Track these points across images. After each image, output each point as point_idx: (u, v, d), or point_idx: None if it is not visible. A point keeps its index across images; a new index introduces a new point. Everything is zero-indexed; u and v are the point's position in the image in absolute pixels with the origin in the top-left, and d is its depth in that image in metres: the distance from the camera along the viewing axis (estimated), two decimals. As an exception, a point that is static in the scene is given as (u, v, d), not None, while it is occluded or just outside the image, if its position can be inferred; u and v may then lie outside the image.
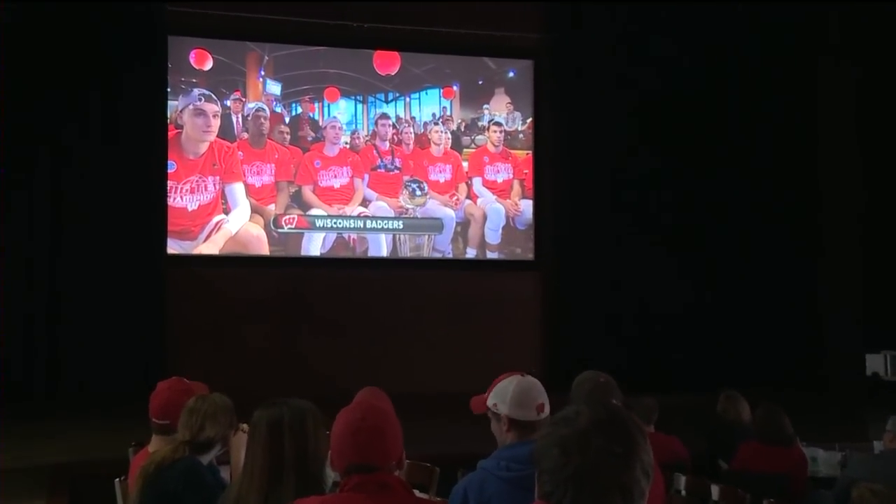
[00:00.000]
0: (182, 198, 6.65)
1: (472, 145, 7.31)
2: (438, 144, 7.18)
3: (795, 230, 7.19)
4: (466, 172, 7.22)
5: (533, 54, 7.33)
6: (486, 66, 7.37)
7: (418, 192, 7.12)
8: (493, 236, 7.28)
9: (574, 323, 7.06)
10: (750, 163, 7.17)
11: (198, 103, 6.68)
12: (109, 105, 6.34)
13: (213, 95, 6.71)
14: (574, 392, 2.37)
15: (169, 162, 6.59)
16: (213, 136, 6.70)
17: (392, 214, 7.08)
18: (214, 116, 6.69)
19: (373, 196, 7.06)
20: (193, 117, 6.66)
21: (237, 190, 6.75)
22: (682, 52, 7.11)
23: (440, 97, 7.26)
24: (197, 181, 6.67)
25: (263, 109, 6.86)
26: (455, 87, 7.31)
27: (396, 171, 7.11)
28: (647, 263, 7.03)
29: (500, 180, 7.30)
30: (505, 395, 2.03)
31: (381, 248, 7.07)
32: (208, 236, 6.68)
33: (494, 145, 7.31)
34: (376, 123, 7.10)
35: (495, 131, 7.31)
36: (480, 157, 7.31)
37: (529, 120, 7.38)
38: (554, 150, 7.29)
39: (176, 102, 6.66)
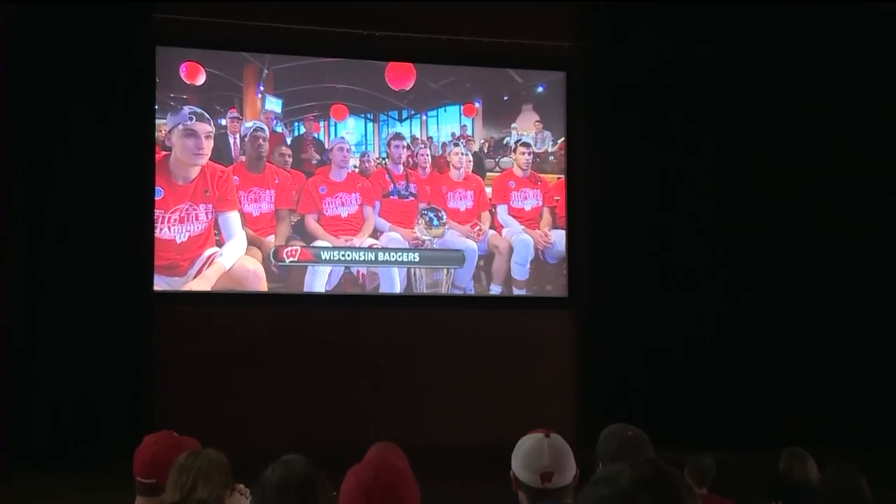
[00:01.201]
0: (170, 228, 6.64)
1: (497, 169, 7.26)
2: (458, 168, 7.13)
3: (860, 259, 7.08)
4: (490, 199, 7.19)
5: (565, 66, 7.28)
6: (513, 80, 7.34)
7: (436, 222, 7.07)
8: (521, 271, 7.21)
9: (611, 368, 6.98)
10: (809, 191, 7.07)
11: (188, 122, 6.69)
12: (88, 124, 6.30)
13: (205, 114, 6.72)
14: (599, 449, 2.37)
15: (156, 188, 6.55)
16: (205, 160, 6.70)
17: (406, 246, 7.03)
18: (207, 137, 6.69)
19: (385, 226, 7.00)
20: (183, 138, 6.66)
21: (232, 219, 6.72)
22: (734, 64, 7.07)
23: (460, 115, 7.22)
24: (187, 210, 6.66)
25: (262, 129, 6.84)
26: (477, 104, 7.26)
27: (411, 198, 7.06)
28: (695, 301, 6.96)
29: (528, 208, 7.24)
30: (517, 452, 2.09)
31: (394, 283, 7.01)
32: (199, 271, 6.65)
33: (522, 169, 7.25)
34: (389, 144, 7.06)
35: (523, 153, 7.25)
36: (506, 183, 7.25)
37: (561, 140, 7.32)
38: (589, 174, 7.22)
39: (164, 121, 6.66)
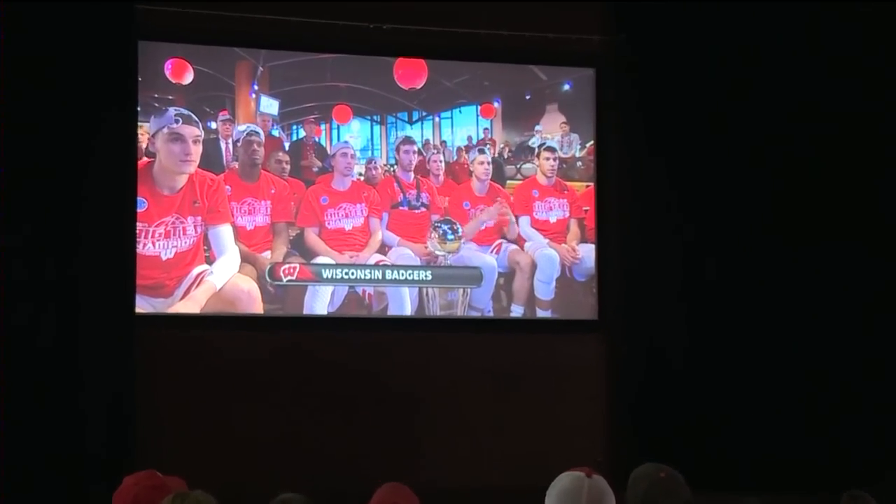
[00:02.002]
0: (154, 244, 6.57)
1: (518, 176, 7.19)
2: (483, 180, 7.10)
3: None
4: (511, 209, 7.13)
5: (595, 61, 7.18)
6: (536, 77, 7.26)
7: (450, 235, 7.02)
8: (545, 290, 7.13)
9: (646, 400, 6.86)
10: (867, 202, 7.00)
11: (174, 126, 6.61)
12: (61, 128, 6.16)
13: (193, 116, 6.64)
14: (630, 492, 2.38)
15: (138, 199, 6.48)
16: (193, 167, 6.63)
17: (418, 263, 6.96)
18: (195, 142, 6.62)
19: (393, 240, 6.94)
20: (169, 143, 6.59)
21: (224, 233, 6.66)
22: (784, 63, 6.97)
23: (477, 116, 7.14)
24: (173, 223, 6.59)
25: (257, 133, 6.77)
26: (496, 104, 7.19)
27: (423, 210, 7.01)
28: (738, 325, 6.84)
29: (553, 220, 7.16)
30: (552, 491, 2.11)
31: (403, 304, 6.95)
32: (187, 292, 6.59)
33: (546, 176, 7.18)
34: (398, 150, 7.02)
35: (547, 158, 7.18)
36: (528, 191, 7.18)
37: (590, 144, 7.24)
38: (622, 182, 7.11)
39: (147, 124, 6.58)
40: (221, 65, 6.84)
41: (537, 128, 7.24)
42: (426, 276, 6.99)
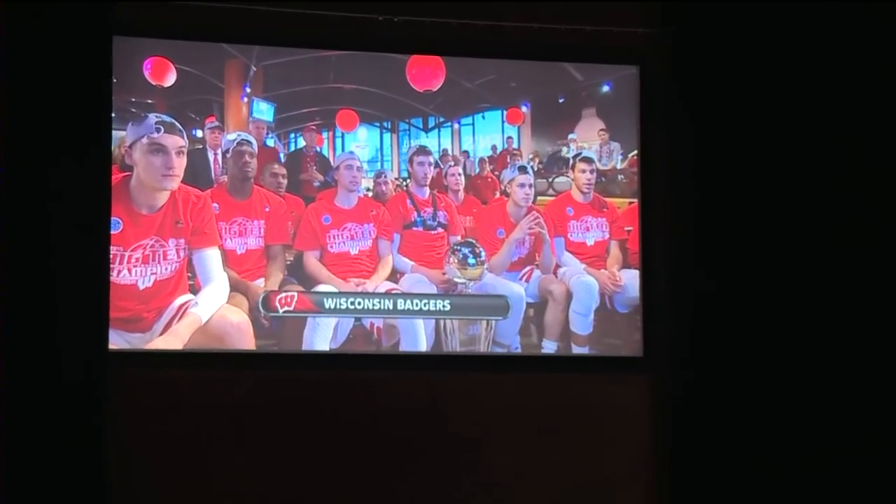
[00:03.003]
0: (131, 271, 6.22)
1: (550, 192, 6.90)
2: (521, 206, 6.81)
3: None
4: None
5: (639, 58, 6.87)
6: (570, 77, 6.94)
7: (472, 260, 6.70)
8: (582, 323, 6.79)
9: (701, 451, 6.45)
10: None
11: (155, 136, 6.25)
12: (23, 135, 5.80)
13: (176, 124, 6.28)
14: None
15: (112, 219, 6.16)
16: (176, 182, 6.28)
17: (434, 291, 6.65)
18: (179, 153, 6.26)
19: (406, 265, 6.67)
20: (148, 155, 6.23)
21: (210, 258, 6.33)
22: (856, 58, 6.49)
23: (503, 122, 6.88)
24: (152, 246, 6.25)
25: (249, 142, 6.48)
26: (525, 108, 6.90)
27: (440, 230, 6.72)
28: (812, 362, 6.35)
29: (591, 242, 6.87)
30: None
31: (418, 339, 6.61)
32: (168, 325, 6.26)
33: (582, 191, 6.86)
34: (411, 161, 6.74)
35: (584, 171, 6.86)
36: (562, 209, 6.87)
37: (633, 154, 6.90)
38: (670, 198, 6.75)
39: (123, 133, 6.28)
40: (208, 64, 6.55)
41: (572, 136, 6.94)
42: (444, 306, 6.65)
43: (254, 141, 6.49)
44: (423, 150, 6.75)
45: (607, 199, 6.92)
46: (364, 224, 6.63)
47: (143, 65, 6.44)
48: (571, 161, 6.91)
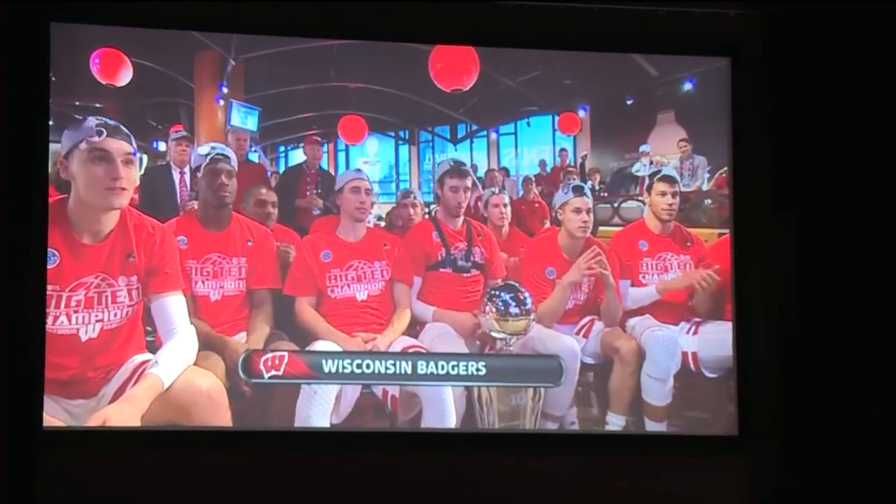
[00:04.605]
0: (70, 317, 5.38)
1: (616, 220, 6.24)
2: (577, 237, 6.08)
3: None
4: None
5: (731, 45, 6.14)
6: (641, 72, 6.25)
7: (515, 309, 5.91)
8: (659, 391, 6.00)
9: None
10: None
11: (95, 140, 5.45)
12: None
13: (122, 127, 5.57)
14: None
15: (48, 251, 5.40)
16: (124, 198, 5.48)
17: (465, 350, 5.90)
18: (126, 163, 5.48)
19: (427, 312, 5.96)
20: (89, 164, 5.43)
21: (172, 307, 5.50)
22: None
23: (554, 131, 6.25)
24: (98, 286, 5.42)
25: (226, 157, 5.78)
26: (582, 113, 6.24)
27: (475, 273, 6.02)
28: None
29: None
30: None
31: (445, 412, 5.84)
32: (121, 391, 5.43)
33: (662, 219, 6.11)
34: (442, 183, 6.14)
35: (663, 193, 6.11)
36: (633, 243, 6.14)
37: (722, 172, 6.16)
38: (772, 229, 5.99)
39: (61, 144, 5.55)
40: (174, 57, 5.91)
41: (644, 147, 6.26)
42: (478, 369, 5.85)
43: (232, 156, 5.82)
44: (458, 170, 6.04)
45: (692, 230, 6.19)
46: (374, 262, 5.91)
47: (89, 59, 5.80)
48: (647, 181, 6.22)
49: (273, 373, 5.67)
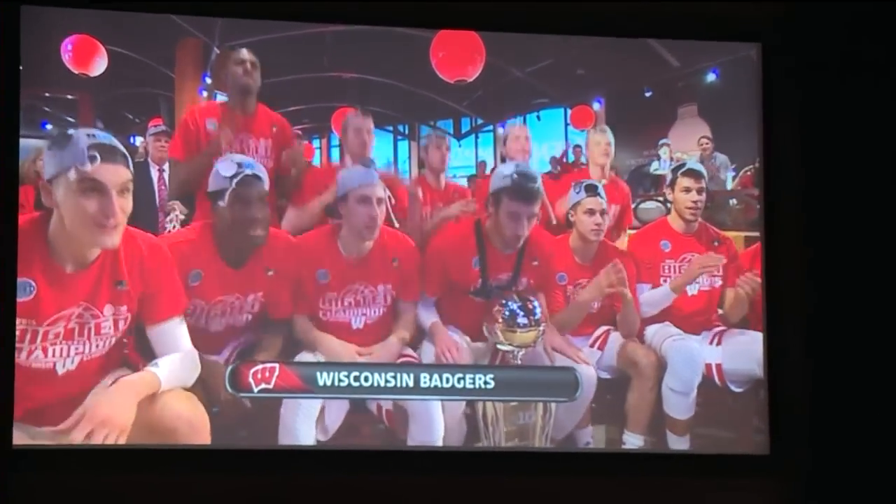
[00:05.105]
0: (47, 351, 4.97)
1: (635, 222, 5.92)
2: (590, 240, 5.75)
3: None
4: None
5: (759, 32, 5.81)
6: (661, 62, 5.93)
7: (523, 319, 5.56)
8: (681, 405, 5.68)
9: None
10: None
11: (88, 168, 5.02)
12: None
13: (117, 145, 5.04)
14: None
15: (21, 281, 4.98)
16: (117, 236, 5.05)
17: (469, 361, 5.55)
18: (122, 192, 5.03)
19: (426, 319, 5.61)
20: (78, 197, 4.96)
21: (176, 332, 5.24)
22: None
23: (566, 125, 5.92)
24: (80, 316, 5.01)
25: (258, 177, 5.41)
26: (597, 106, 5.92)
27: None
28: None
29: (693, 291, 5.77)
30: None
31: (432, 426, 5.55)
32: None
33: (686, 218, 5.78)
34: (498, 200, 5.72)
35: (688, 189, 5.79)
36: (654, 244, 5.82)
37: (748, 170, 5.86)
38: (809, 229, 5.71)
39: (36, 143, 5.30)
40: (153, 44, 5.58)
41: (664, 141, 5.93)
42: (484, 382, 5.50)
43: (264, 175, 5.59)
44: (524, 190, 5.69)
45: (718, 232, 5.90)
46: (378, 285, 5.53)
47: (60, 46, 5.46)
48: (669, 178, 5.89)
49: (263, 386, 5.34)
